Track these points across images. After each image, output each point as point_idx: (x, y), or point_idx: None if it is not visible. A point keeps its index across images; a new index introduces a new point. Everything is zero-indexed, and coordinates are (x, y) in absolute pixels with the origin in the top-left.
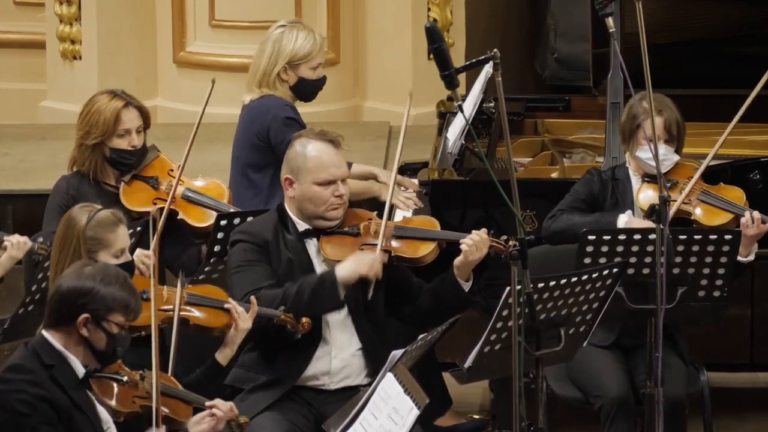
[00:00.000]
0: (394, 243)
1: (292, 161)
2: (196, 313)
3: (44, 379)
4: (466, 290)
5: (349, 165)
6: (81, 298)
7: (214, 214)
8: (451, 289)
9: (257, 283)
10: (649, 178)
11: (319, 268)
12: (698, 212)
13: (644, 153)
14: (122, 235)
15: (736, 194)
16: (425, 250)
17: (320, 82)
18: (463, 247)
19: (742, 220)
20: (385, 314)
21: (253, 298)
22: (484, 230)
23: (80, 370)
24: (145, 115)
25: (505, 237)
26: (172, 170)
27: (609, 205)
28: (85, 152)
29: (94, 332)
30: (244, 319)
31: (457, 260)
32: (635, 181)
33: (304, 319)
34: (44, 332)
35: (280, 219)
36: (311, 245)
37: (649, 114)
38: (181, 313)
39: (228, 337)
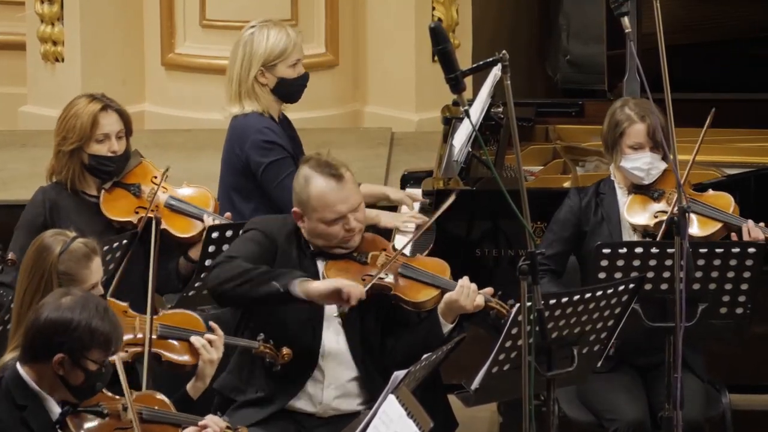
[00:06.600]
0: (397, 281)
1: (298, 195)
2: (169, 352)
3: (14, 424)
4: (445, 331)
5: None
6: (58, 336)
7: (199, 224)
8: (429, 325)
9: (243, 257)
10: (637, 189)
11: None
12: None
13: (629, 162)
14: (96, 270)
15: (724, 201)
16: (426, 296)
17: (302, 80)
18: (459, 282)
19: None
20: (382, 342)
21: (213, 324)
22: (489, 289)
23: (55, 411)
24: (125, 119)
25: (512, 301)
26: (155, 177)
27: (593, 222)
28: (63, 160)
29: (71, 371)
30: (210, 351)
31: (447, 295)
32: (621, 193)
33: (284, 351)
34: (18, 367)
35: (297, 230)
36: (321, 266)
37: (632, 121)
38: (153, 349)
39: (199, 370)
